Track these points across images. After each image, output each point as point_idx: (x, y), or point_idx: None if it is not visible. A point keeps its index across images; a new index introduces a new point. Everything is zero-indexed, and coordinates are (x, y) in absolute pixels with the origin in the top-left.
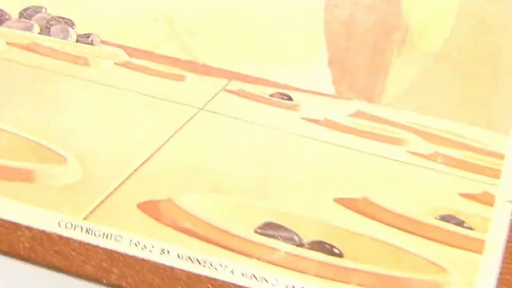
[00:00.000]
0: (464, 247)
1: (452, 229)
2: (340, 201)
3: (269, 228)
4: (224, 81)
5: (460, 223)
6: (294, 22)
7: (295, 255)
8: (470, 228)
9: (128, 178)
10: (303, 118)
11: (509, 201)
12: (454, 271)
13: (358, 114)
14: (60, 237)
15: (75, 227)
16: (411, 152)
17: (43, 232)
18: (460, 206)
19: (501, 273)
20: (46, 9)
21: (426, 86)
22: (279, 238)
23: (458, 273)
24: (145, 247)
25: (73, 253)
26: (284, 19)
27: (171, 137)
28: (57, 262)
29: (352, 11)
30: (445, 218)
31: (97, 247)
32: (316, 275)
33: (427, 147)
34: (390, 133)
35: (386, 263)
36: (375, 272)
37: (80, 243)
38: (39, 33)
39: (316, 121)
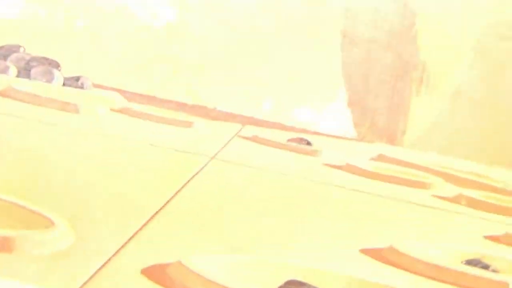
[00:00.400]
0: None
1: (479, 273)
2: (365, 251)
3: (291, 286)
4: (237, 127)
5: (485, 267)
6: (312, 62)
7: None
8: (495, 271)
9: (130, 239)
10: (324, 164)
11: None
12: None
13: (381, 158)
14: None
15: None
16: (436, 196)
17: None
18: (485, 249)
19: None
20: (24, 48)
21: (447, 126)
22: None
23: None
24: None
25: None
26: (300, 59)
27: (179, 190)
28: None
29: (369, 49)
30: (471, 263)
31: None
32: None
33: (451, 190)
34: (414, 176)
35: None
36: None
37: None
38: (17, 76)
39: (338, 167)
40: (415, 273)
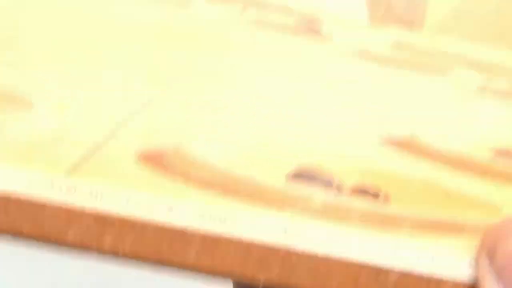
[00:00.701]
0: None
1: (509, 165)
2: (385, 139)
3: (303, 174)
4: (238, 6)
5: None
6: None
7: (334, 204)
8: None
9: (126, 122)
10: (335, 50)
11: None
12: (510, 210)
13: (399, 44)
14: (30, 201)
15: (52, 186)
16: (460, 85)
17: (6, 197)
18: None
19: None
20: None
21: (474, 9)
22: (315, 184)
23: None
24: (148, 206)
25: (51, 220)
26: None
27: (181, 71)
28: (31, 229)
29: None
30: (500, 154)
31: (82, 209)
32: (360, 225)
33: (477, 78)
34: (435, 64)
35: (438, 206)
36: (426, 217)
37: (60, 207)
38: None
39: (351, 54)
40: (439, 162)
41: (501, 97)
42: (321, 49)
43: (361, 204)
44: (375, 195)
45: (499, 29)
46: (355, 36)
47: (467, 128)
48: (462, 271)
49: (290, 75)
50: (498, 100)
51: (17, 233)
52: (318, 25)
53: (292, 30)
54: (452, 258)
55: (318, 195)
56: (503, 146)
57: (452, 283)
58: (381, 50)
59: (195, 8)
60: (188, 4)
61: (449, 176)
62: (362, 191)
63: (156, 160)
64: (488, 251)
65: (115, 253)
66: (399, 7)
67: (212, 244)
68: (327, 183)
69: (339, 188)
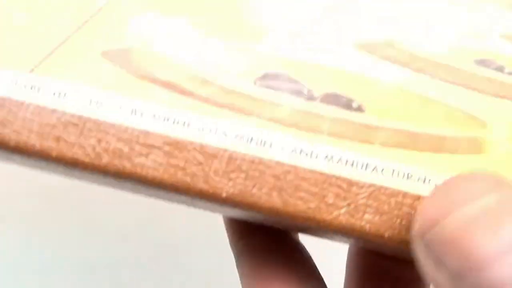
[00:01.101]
0: (507, 96)
1: (492, 75)
2: (360, 46)
3: (271, 79)
4: None
5: (499, 69)
6: None
7: (304, 111)
8: None
9: (90, 19)
10: None
11: None
12: (497, 125)
13: None
14: None
15: (17, 81)
16: None
17: None
18: (499, 49)
19: None
20: None
21: None
22: (285, 90)
23: (502, 128)
24: (111, 106)
25: (12, 119)
26: None
27: None
28: None
29: None
30: (483, 63)
31: (45, 109)
32: (330, 135)
33: None
34: None
35: (416, 117)
36: (402, 129)
37: (22, 104)
38: None
39: None
40: (417, 70)
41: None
42: None
43: (332, 112)
44: (348, 104)
45: None
46: None
47: (446, 33)
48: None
49: None
50: (482, 4)
51: None
52: None
53: None
54: (428, 175)
55: (287, 101)
56: (486, 54)
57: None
58: None
59: None
60: None
61: (429, 84)
62: (334, 99)
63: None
64: (424, 236)
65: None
66: None
67: (175, 150)
68: (297, 91)
69: (309, 96)
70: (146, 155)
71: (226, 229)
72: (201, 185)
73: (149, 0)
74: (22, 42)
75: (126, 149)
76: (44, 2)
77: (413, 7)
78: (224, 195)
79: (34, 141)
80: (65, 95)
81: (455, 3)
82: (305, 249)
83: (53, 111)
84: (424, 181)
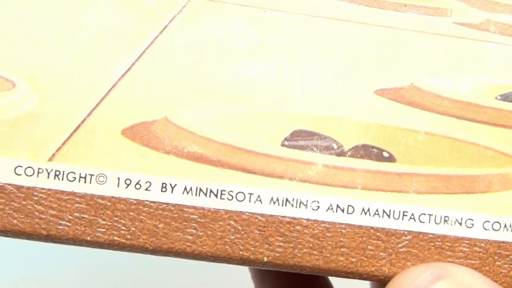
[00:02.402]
0: None
1: None
2: (382, 93)
3: (300, 138)
4: None
5: None
6: None
7: (336, 167)
8: None
9: (105, 96)
10: None
11: None
12: None
13: None
14: (18, 189)
15: (38, 172)
16: (458, 23)
17: None
18: None
19: None
20: None
21: None
22: (314, 148)
23: None
24: (140, 185)
25: (39, 207)
26: None
27: (156, 37)
28: (19, 223)
29: None
30: (508, 97)
31: (72, 194)
32: (365, 188)
33: (477, 15)
34: (430, 2)
35: (447, 160)
36: (435, 173)
37: (48, 193)
38: None
39: None
40: (443, 113)
41: (505, 34)
42: None
43: (364, 165)
44: (378, 155)
45: None
46: None
47: (469, 71)
48: (478, 231)
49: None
50: (501, 38)
51: (8, 228)
52: None
53: None
54: (464, 216)
55: (317, 159)
56: (510, 87)
57: (467, 243)
58: None
59: None
60: None
61: (456, 126)
62: (364, 152)
63: (141, 134)
64: None
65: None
66: None
67: (212, 221)
68: (326, 147)
69: (340, 151)
70: (183, 230)
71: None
72: (241, 252)
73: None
74: (32, 128)
75: (161, 226)
76: (55, 78)
77: (429, 48)
78: (265, 259)
79: (67, 228)
80: (90, 179)
81: (471, 39)
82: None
83: (83, 195)
84: (461, 223)
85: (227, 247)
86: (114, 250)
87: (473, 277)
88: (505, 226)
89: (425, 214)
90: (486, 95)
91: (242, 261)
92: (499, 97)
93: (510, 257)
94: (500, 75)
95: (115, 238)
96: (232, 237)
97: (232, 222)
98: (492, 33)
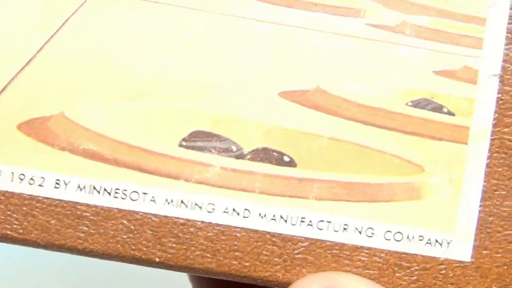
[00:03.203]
0: (445, 137)
1: (429, 116)
2: (286, 95)
3: (198, 139)
4: None
5: (438, 108)
6: None
7: (234, 170)
8: (451, 113)
9: (4, 89)
10: None
11: (494, 75)
12: (435, 169)
13: None
14: None
15: None
16: (371, 25)
17: None
18: (436, 87)
19: (488, 165)
20: None
21: None
22: (212, 150)
23: (441, 171)
24: (34, 181)
25: None
26: None
27: (60, 27)
28: None
29: None
30: (419, 104)
31: None
32: (263, 192)
33: (392, 16)
34: (342, 1)
35: (350, 167)
36: (337, 180)
37: None
38: None
39: None
40: (349, 118)
41: (420, 37)
42: None
43: (263, 168)
44: (279, 159)
45: None
46: None
47: (380, 75)
48: (379, 240)
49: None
50: (417, 41)
51: None
52: None
53: None
54: (365, 225)
55: (215, 161)
56: (422, 93)
57: (367, 253)
58: None
59: None
60: None
61: (362, 132)
62: (264, 155)
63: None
64: None
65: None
66: None
67: (104, 219)
68: (225, 149)
69: (239, 154)
70: (75, 227)
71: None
72: (133, 252)
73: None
74: None
75: (53, 222)
76: None
77: (339, 50)
78: (157, 260)
79: None
80: None
81: (385, 42)
82: None
83: None
84: (361, 232)
85: (118, 246)
86: (7, 243)
87: (365, 287)
88: (408, 237)
89: (323, 221)
90: (396, 101)
91: (133, 261)
92: (410, 103)
93: (411, 269)
94: (412, 80)
95: (8, 232)
96: (125, 236)
97: (125, 221)
98: (408, 36)
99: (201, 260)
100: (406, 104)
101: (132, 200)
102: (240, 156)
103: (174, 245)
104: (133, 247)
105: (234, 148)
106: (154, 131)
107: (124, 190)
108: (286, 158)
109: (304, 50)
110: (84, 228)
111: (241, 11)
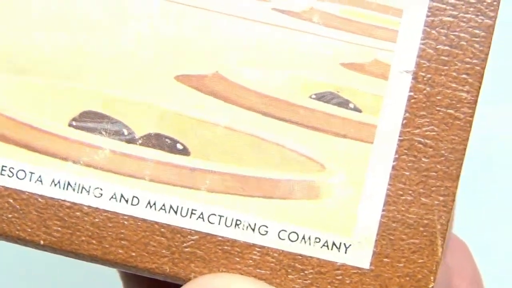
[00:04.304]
0: (350, 135)
1: (333, 111)
2: (183, 79)
3: (88, 119)
4: None
5: (343, 103)
6: None
7: (124, 154)
8: (357, 110)
9: None
10: None
11: (406, 71)
12: (336, 167)
13: None
14: None
15: None
16: (277, 10)
17: None
18: (343, 81)
19: (394, 167)
20: None
21: None
22: (102, 132)
23: (342, 170)
24: None
25: None
26: None
27: None
28: None
29: None
30: (323, 97)
31: None
32: (153, 180)
33: (300, 2)
34: None
35: (246, 160)
36: (231, 172)
37: None
38: None
39: None
40: (248, 108)
41: (329, 26)
42: None
43: (154, 155)
44: (171, 146)
45: None
46: None
47: (283, 64)
48: (272, 239)
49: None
50: (325, 30)
51: None
52: None
53: None
54: (258, 222)
55: (105, 144)
56: (327, 86)
57: (259, 251)
58: None
59: None
60: None
61: (260, 123)
62: (156, 141)
63: None
64: None
65: None
66: None
67: None
68: (116, 132)
69: (130, 138)
70: None
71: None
72: (18, 232)
73: None
74: None
75: None
76: None
77: (242, 34)
78: (42, 242)
79: None
80: None
81: (291, 29)
82: None
83: None
84: (254, 229)
85: (4, 225)
86: None
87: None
88: (303, 238)
89: (215, 214)
90: (299, 92)
91: (18, 241)
92: (313, 96)
93: (305, 272)
94: (317, 71)
95: None
96: (10, 216)
97: (11, 200)
98: (315, 23)
99: (87, 246)
100: (310, 96)
101: (18, 178)
102: (131, 141)
103: (59, 228)
104: (18, 227)
105: (126, 132)
106: (43, 109)
107: (11, 167)
108: (179, 146)
109: (204, 33)
110: None
111: None
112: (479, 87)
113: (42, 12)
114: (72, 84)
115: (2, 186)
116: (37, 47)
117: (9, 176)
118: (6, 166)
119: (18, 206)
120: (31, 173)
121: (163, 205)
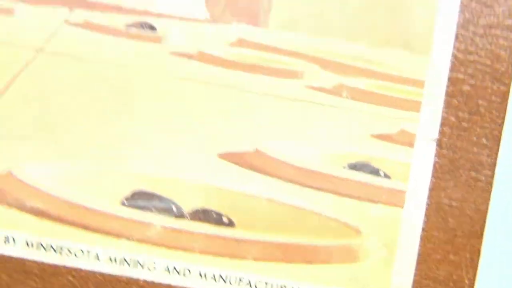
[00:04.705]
0: (381, 200)
1: (365, 179)
2: (226, 156)
3: (139, 198)
4: (64, 11)
5: (374, 172)
6: None
7: (174, 229)
8: (387, 177)
9: None
10: (171, 53)
11: (432, 140)
12: (370, 232)
13: (241, 42)
14: None
15: None
16: (311, 87)
17: None
18: (373, 151)
19: (424, 229)
20: None
21: (323, 2)
22: (153, 209)
23: (376, 234)
24: None
25: None
26: None
27: (3, 91)
28: None
29: None
30: (356, 167)
31: None
32: (203, 252)
33: (330, 79)
34: (282, 64)
35: (288, 229)
36: (274, 241)
37: None
38: None
39: (188, 56)
40: (287, 180)
41: (357, 100)
42: (155, 49)
43: (202, 229)
44: (218, 219)
45: (363, 22)
46: (192, 34)
47: (318, 138)
48: None
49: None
50: (354, 103)
51: None
52: (152, 23)
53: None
54: (304, 286)
55: (156, 220)
56: (359, 156)
57: None
58: (222, 51)
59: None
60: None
61: (300, 194)
62: (203, 215)
63: None
64: None
65: None
66: (241, 1)
67: (51, 276)
68: (166, 209)
69: (179, 213)
70: (24, 282)
71: None
72: None
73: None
74: None
75: (4, 277)
76: None
77: (277, 111)
78: None
79: None
80: None
81: (319, 104)
82: None
83: None
84: None
85: None
86: None
87: None
88: None
89: (262, 281)
90: (333, 164)
91: None
92: (346, 166)
93: None
94: (349, 143)
95: None
96: None
97: (70, 278)
98: (344, 98)
99: None
100: (343, 167)
101: (76, 257)
102: (180, 216)
103: None
104: None
105: (174, 208)
106: (98, 191)
107: (69, 247)
108: (224, 219)
109: (243, 112)
110: (33, 283)
111: (179, 71)
112: (498, 150)
113: (83, 96)
114: (120, 167)
115: (62, 265)
116: (89, 133)
117: (67, 255)
118: (64, 246)
119: (77, 283)
120: (88, 251)
121: (213, 275)
